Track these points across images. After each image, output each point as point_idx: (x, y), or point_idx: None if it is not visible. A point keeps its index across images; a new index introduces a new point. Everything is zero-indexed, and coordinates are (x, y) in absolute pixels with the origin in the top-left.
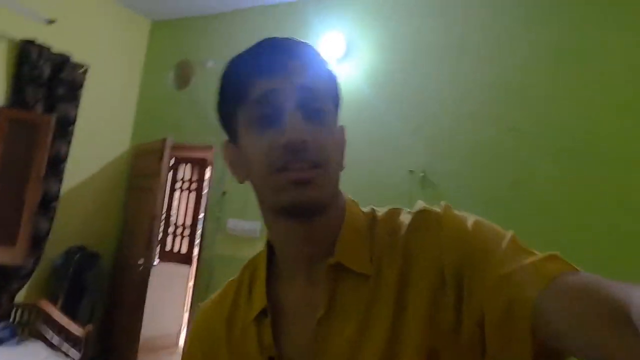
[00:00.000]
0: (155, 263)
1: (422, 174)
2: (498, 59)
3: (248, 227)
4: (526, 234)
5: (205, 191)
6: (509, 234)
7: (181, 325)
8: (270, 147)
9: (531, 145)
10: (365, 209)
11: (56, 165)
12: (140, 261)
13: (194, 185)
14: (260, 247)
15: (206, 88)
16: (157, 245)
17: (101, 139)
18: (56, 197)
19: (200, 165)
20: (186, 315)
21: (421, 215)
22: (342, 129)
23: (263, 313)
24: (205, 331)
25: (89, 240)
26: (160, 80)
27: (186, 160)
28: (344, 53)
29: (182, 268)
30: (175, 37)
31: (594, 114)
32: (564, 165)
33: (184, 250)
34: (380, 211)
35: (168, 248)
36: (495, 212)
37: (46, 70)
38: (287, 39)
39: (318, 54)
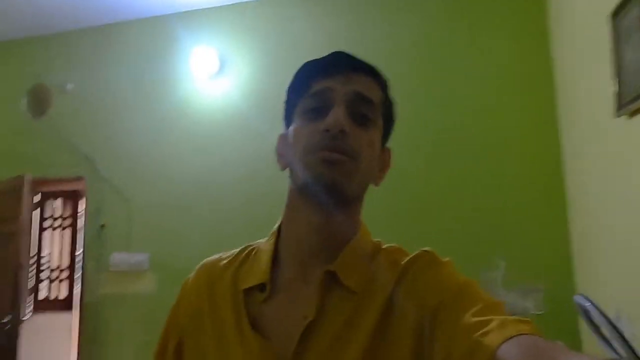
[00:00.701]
0: (26, 317)
1: None
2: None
3: (135, 260)
4: (399, 221)
5: (80, 226)
6: (497, 300)
7: None
8: (311, 132)
9: (398, 140)
10: (375, 240)
11: None
12: (6, 319)
13: (67, 222)
14: (148, 279)
15: (68, 114)
16: (29, 296)
17: None
18: None
19: (72, 198)
20: None
21: (426, 255)
22: (387, 150)
23: (258, 288)
24: (199, 280)
25: None
26: (11, 109)
27: (55, 195)
28: (218, 69)
29: (63, 316)
30: (26, 59)
31: (452, 111)
32: (432, 156)
33: (63, 295)
34: (388, 244)
35: (43, 296)
36: (373, 202)
37: None
38: (357, 57)
39: (380, 75)
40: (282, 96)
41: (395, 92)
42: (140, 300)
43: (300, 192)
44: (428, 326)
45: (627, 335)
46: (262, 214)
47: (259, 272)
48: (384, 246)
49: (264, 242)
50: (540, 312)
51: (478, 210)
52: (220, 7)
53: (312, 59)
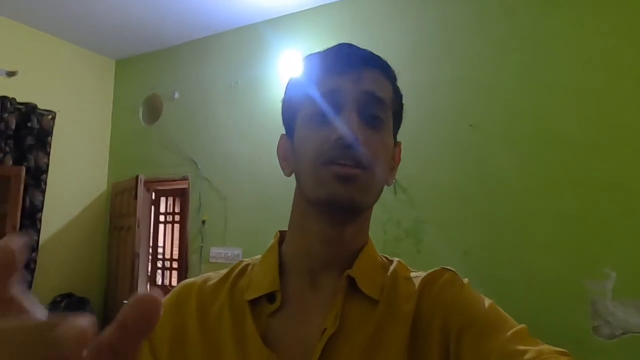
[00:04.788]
0: None
1: (393, 180)
2: (452, 57)
3: (230, 254)
4: (496, 225)
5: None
6: (522, 325)
7: None
8: (322, 141)
9: (490, 138)
10: (380, 254)
11: (32, 216)
12: (126, 301)
13: (177, 217)
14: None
15: (175, 120)
16: (147, 282)
17: (77, 182)
18: (35, 248)
19: (181, 196)
20: None
21: (445, 272)
22: (398, 145)
23: (267, 298)
24: (179, 302)
25: (75, 286)
26: (130, 118)
27: (167, 193)
28: None
29: None
30: (140, 73)
31: (545, 101)
32: (523, 154)
33: (174, 283)
34: (395, 259)
35: (159, 283)
36: (465, 208)
37: (12, 121)
38: (363, 49)
39: (389, 68)
40: None
41: (487, 86)
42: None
43: (310, 205)
44: (453, 347)
45: None
46: None
47: (266, 281)
48: (394, 260)
49: (262, 256)
50: None
51: (583, 214)
52: (305, 10)
53: (329, 53)
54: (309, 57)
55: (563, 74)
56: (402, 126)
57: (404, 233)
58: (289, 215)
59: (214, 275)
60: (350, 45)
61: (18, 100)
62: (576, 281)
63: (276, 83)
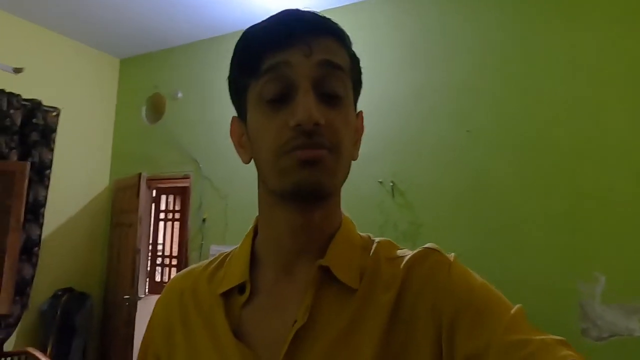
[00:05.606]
0: (142, 296)
1: (391, 184)
2: (451, 64)
3: None
4: (490, 230)
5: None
6: (517, 306)
7: None
8: (279, 129)
9: (486, 144)
10: (363, 233)
11: (36, 211)
12: (127, 296)
13: (177, 215)
14: None
15: (178, 119)
16: (146, 278)
17: (79, 179)
18: (38, 242)
19: (182, 194)
20: None
21: (431, 253)
22: (359, 115)
23: (238, 290)
24: (168, 300)
25: (76, 281)
26: (133, 116)
27: (168, 191)
28: None
29: None
30: (144, 72)
31: (537, 110)
32: (517, 160)
33: None
34: (379, 238)
35: (158, 279)
36: (460, 212)
37: (17, 117)
38: (311, 12)
39: (343, 33)
40: (364, 90)
41: (484, 93)
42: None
43: (275, 196)
44: (446, 333)
45: None
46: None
47: (236, 273)
48: (375, 240)
49: (239, 246)
50: None
51: (573, 218)
52: None
53: (267, 29)
54: (250, 29)
55: (554, 84)
56: (400, 126)
57: (402, 235)
58: None
59: (197, 268)
60: (296, 11)
61: (24, 96)
62: (566, 284)
63: None
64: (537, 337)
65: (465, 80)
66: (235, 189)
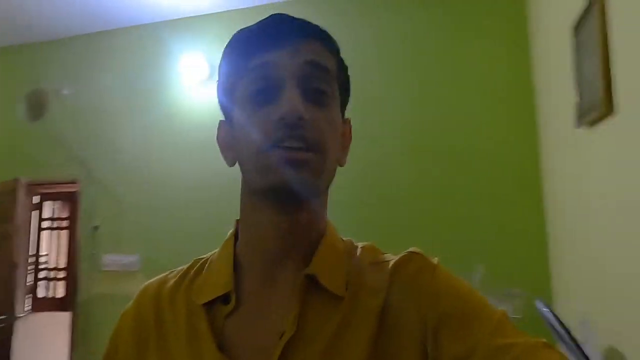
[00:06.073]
0: (23, 315)
1: None
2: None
3: (126, 261)
4: (392, 230)
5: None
6: (500, 310)
7: None
8: (262, 122)
9: (387, 150)
10: (344, 238)
11: None
12: (2, 316)
13: (65, 223)
14: (139, 280)
15: (64, 118)
16: (26, 294)
17: None
18: None
19: (70, 200)
20: None
21: (415, 257)
22: (347, 121)
23: (221, 300)
24: (139, 311)
25: None
26: (9, 113)
27: (54, 197)
28: (209, 75)
29: (60, 316)
30: (23, 65)
31: (433, 118)
32: (415, 166)
33: (61, 294)
34: (361, 243)
35: (42, 295)
36: (363, 214)
37: None
38: (299, 18)
39: (330, 37)
40: None
41: (378, 99)
42: (132, 300)
43: (258, 196)
44: (431, 338)
45: (592, 342)
46: None
47: (220, 281)
48: (359, 245)
49: (218, 252)
50: (518, 317)
51: (459, 217)
52: (208, 14)
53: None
54: (238, 33)
55: (446, 94)
56: None
57: None
58: (187, 218)
59: (171, 276)
60: (283, 16)
61: None
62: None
63: (177, 85)
64: (522, 340)
65: (368, 90)
66: (130, 192)
